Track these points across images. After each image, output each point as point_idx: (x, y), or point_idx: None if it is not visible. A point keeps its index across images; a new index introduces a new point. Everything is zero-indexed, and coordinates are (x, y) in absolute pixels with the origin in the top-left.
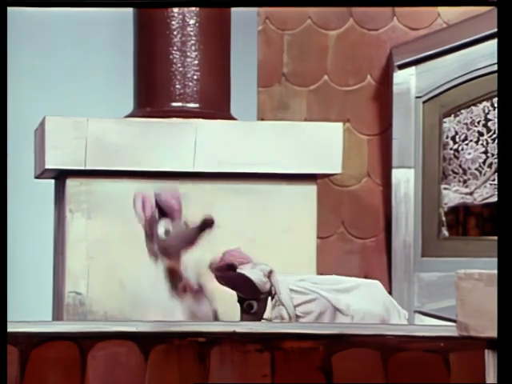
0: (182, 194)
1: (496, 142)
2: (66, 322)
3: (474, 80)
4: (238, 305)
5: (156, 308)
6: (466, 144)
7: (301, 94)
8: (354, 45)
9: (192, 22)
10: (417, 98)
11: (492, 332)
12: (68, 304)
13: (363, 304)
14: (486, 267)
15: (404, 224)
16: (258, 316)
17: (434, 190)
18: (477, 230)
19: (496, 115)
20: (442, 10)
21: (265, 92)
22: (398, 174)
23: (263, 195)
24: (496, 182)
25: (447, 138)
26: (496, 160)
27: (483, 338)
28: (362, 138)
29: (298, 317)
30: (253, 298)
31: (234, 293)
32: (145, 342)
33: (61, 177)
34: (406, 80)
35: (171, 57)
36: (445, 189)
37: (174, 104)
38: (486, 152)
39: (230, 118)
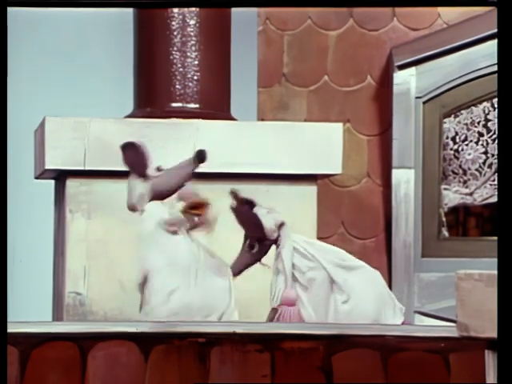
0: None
1: (496, 142)
2: (66, 322)
3: (474, 80)
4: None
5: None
6: (466, 144)
7: (301, 95)
8: (354, 45)
9: (192, 22)
10: (417, 98)
11: (492, 332)
12: (68, 304)
13: (361, 285)
14: (486, 267)
15: (404, 224)
16: (255, 258)
17: (434, 191)
18: (477, 231)
19: (496, 116)
20: (442, 10)
21: (265, 92)
22: (398, 175)
23: (263, 195)
24: (496, 182)
25: (447, 138)
26: (496, 160)
27: (483, 338)
28: (362, 139)
29: (294, 279)
30: (257, 240)
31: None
32: (145, 342)
33: (61, 177)
34: (406, 80)
35: (171, 57)
36: (445, 189)
37: (174, 104)
38: (485, 152)
39: (230, 118)
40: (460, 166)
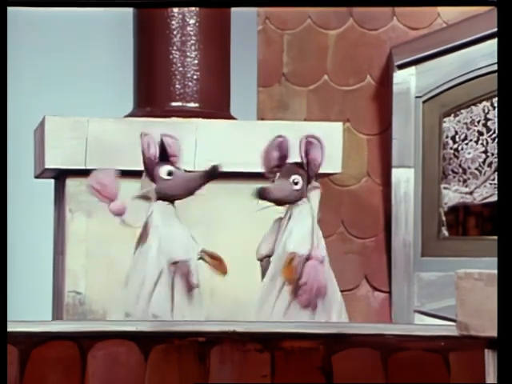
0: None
1: (496, 141)
2: (65, 321)
3: (473, 80)
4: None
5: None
6: (466, 144)
7: (301, 94)
8: (353, 45)
9: (192, 21)
10: (417, 97)
11: (492, 332)
12: (68, 304)
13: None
14: (486, 267)
15: (404, 224)
16: (270, 198)
17: (434, 190)
18: (477, 230)
19: (496, 115)
20: (441, 9)
21: (265, 92)
22: (397, 174)
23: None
24: (496, 181)
25: (447, 137)
26: (496, 159)
27: (483, 337)
28: (361, 138)
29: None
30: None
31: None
32: (145, 341)
33: (61, 176)
34: (406, 80)
35: (171, 57)
36: (445, 188)
37: (174, 104)
38: (485, 151)
39: (230, 117)
40: (460, 165)
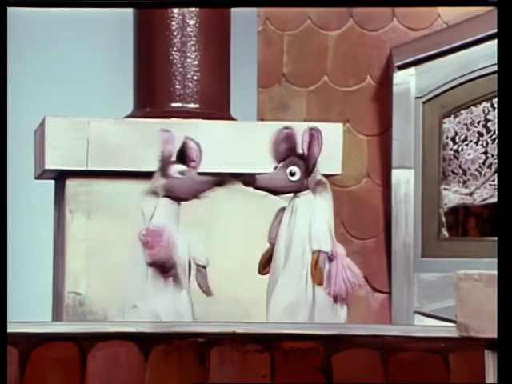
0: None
1: (496, 142)
2: (65, 322)
3: (474, 80)
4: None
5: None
6: (466, 144)
7: (301, 95)
8: (353, 45)
9: (192, 22)
10: (417, 98)
11: (492, 332)
12: (68, 304)
13: None
14: (486, 268)
15: (404, 224)
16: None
17: (434, 191)
18: (476, 231)
19: (496, 116)
20: (441, 10)
21: (264, 92)
22: (397, 175)
23: (263, 195)
24: (496, 182)
25: (447, 138)
26: (496, 161)
27: (483, 338)
28: (361, 139)
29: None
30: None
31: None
32: (145, 342)
33: (61, 177)
34: (406, 80)
35: (171, 57)
36: (445, 189)
37: (174, 104)
38: (485, 152)
39: (230, 118)
40: (460, 166)
